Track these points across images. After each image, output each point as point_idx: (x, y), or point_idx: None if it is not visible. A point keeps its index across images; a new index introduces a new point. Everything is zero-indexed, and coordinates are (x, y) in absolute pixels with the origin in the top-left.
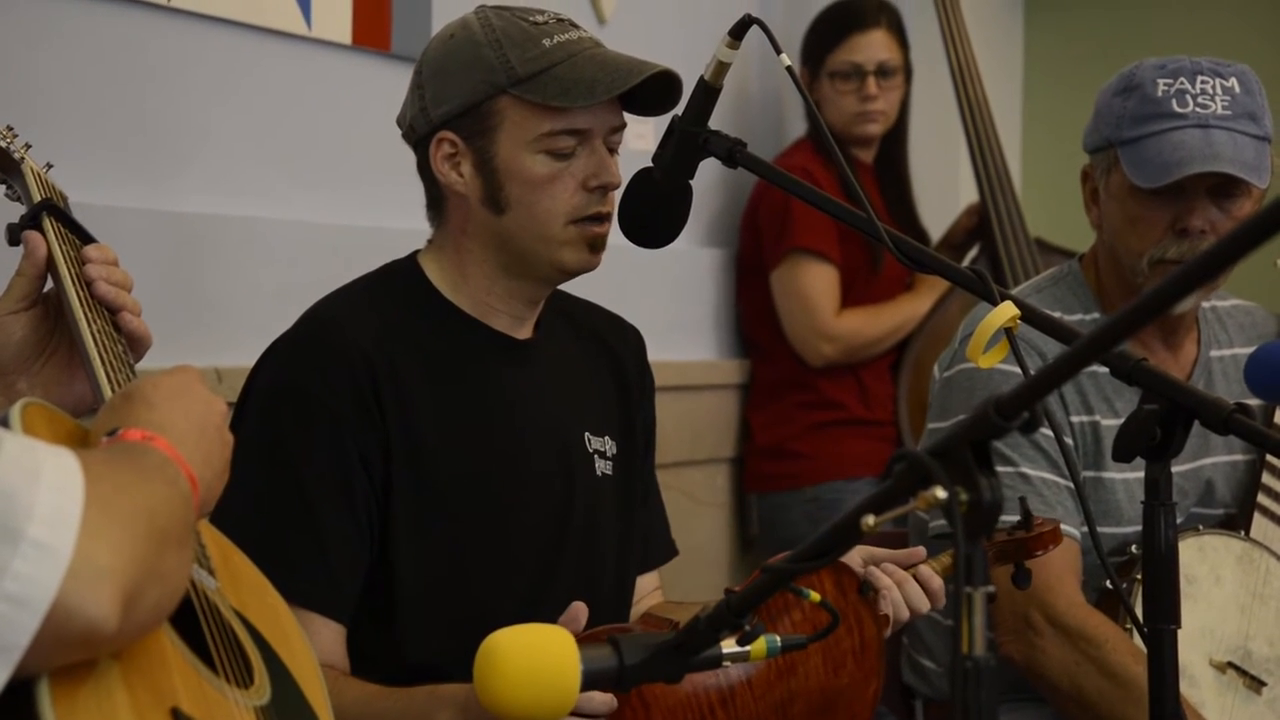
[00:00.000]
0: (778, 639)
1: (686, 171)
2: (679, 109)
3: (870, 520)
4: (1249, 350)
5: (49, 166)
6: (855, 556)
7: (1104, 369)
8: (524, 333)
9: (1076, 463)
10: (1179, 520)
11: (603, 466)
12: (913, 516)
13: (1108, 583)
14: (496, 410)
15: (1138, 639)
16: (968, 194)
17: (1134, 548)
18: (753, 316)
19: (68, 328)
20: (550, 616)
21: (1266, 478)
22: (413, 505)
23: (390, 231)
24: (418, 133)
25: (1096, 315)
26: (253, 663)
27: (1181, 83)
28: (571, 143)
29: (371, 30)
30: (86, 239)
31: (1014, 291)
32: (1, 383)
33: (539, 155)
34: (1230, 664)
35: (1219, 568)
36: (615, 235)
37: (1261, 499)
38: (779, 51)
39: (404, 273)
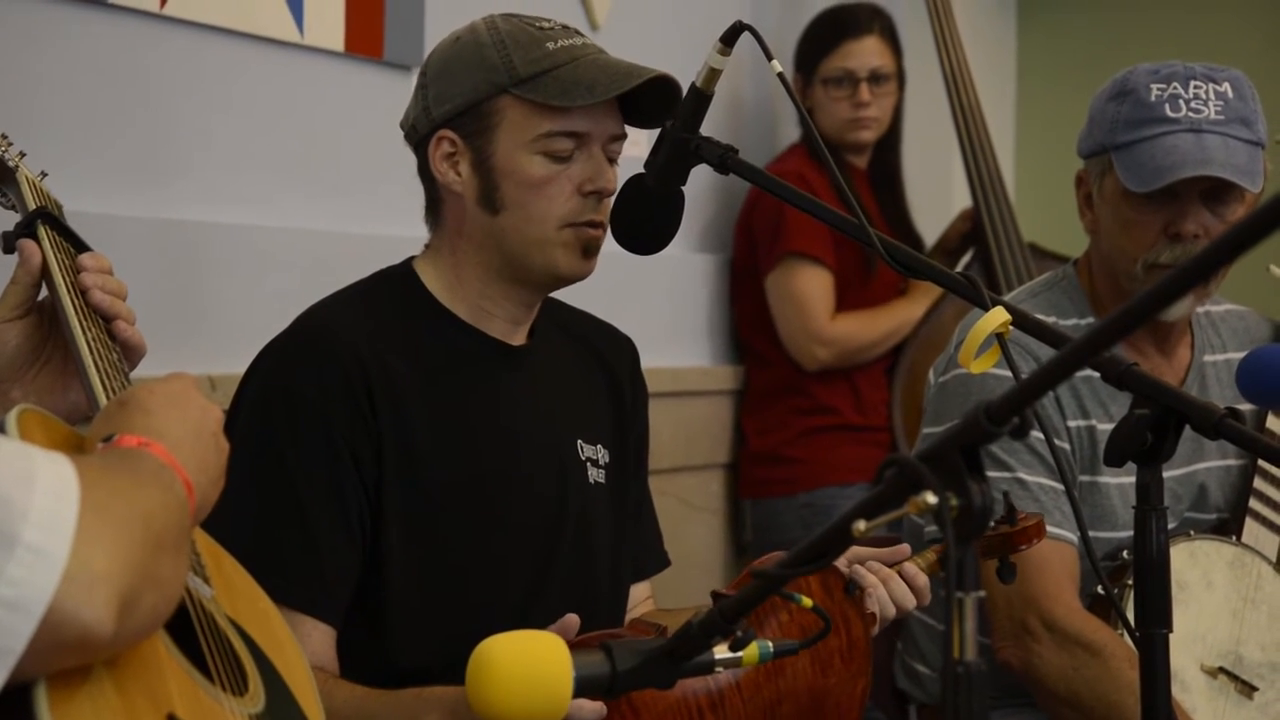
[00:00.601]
0: (770, 644)
1: (679, 177)
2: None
3: (861, 525)
4: (1242, 355)
5: (44, 175)
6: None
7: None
8: (518, 339)
9: (1070, 468)
10: (1173, 525)
11: (595, 474)
12: (907, 521)
13: (1099, 588)
14: (490, 416)
15: (1130, 643)
16: (961, 199)
17: (1126, 553)
18: (747, 322)
19: (63, 336)
20: (542, 623)
21: (1259, 483)
22: (405, 510)
23: (384, 238)
24: (419, 133)
25: (1091, 320)
26: (247, 670)
27: (1175, 88)
28: (569, 145)
29: (364, 38)
30: (81, 247)
31: (1009, 297)
32: None
33: (536, 156)
34: (1222, 669)
35: (1210, 573)
36: (608, 241)
37: (1254, 504)
38: (770, 58)
39: (398, 278)
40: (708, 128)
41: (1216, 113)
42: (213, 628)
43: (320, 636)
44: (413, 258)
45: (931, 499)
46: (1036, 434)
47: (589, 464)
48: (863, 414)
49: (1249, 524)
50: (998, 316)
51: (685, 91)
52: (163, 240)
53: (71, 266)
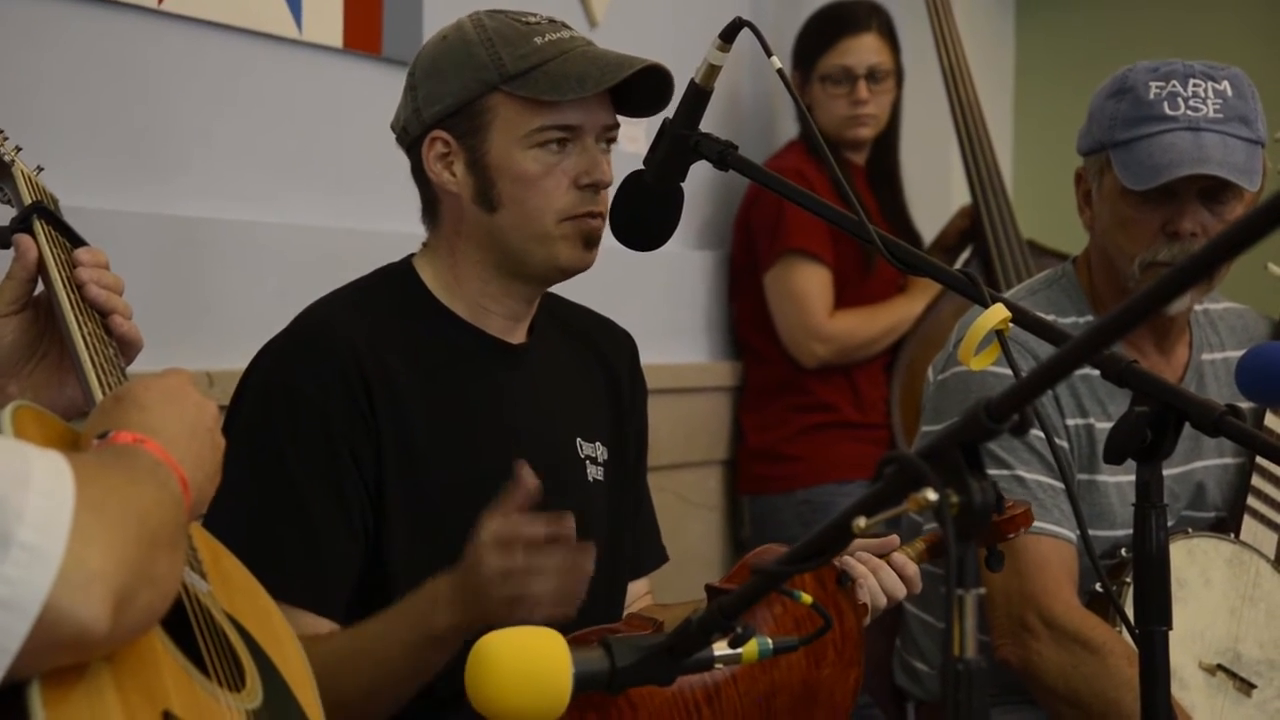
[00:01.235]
0: (770, 641)
1: (678, 174)
2: (669, 111)
3: (861, 522)
4: (1241, 353)
5: (39, 169)
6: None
7: (1097, 372)
8: (517, 337)
9: (1069, 465)
10: (1170, 523)
11: (594, 472)
12: (905, 518)
13: (1098, 585)
14: (489, 414)
15: (1131, 641)
16: (960, 196)
17: (1124, 550)
18: (745, 319)
19: (58, 331)
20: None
21: (1256, 480)
22: (405, 507)
23: (383, 234)
24: (411, 134)
25: (1090, 317)
26: (244, 666)
27: (1174, 85)
28: (562, 138)
29: (362, 34)
30: (77, 242)
31: (1008, 294)
32: None
33: (530, 151)
34: (1220, 666)
35: (1209, 570)
36: (607, 238)
37: (1252, 502)
38: (770, 54)
39: (398, 276)
40: (705, 124)
41: (1215, 111)
42: (209, 623)
43: (318, 629)
44: (412, 255)
45: (932, 496)
46: (1035, 432)
47: (588, 462)
48: (861, 411)
49: (1247, 521)
50: (998, 313)
51: (680, 85)
52: (159, 235)
53: (67, 261)
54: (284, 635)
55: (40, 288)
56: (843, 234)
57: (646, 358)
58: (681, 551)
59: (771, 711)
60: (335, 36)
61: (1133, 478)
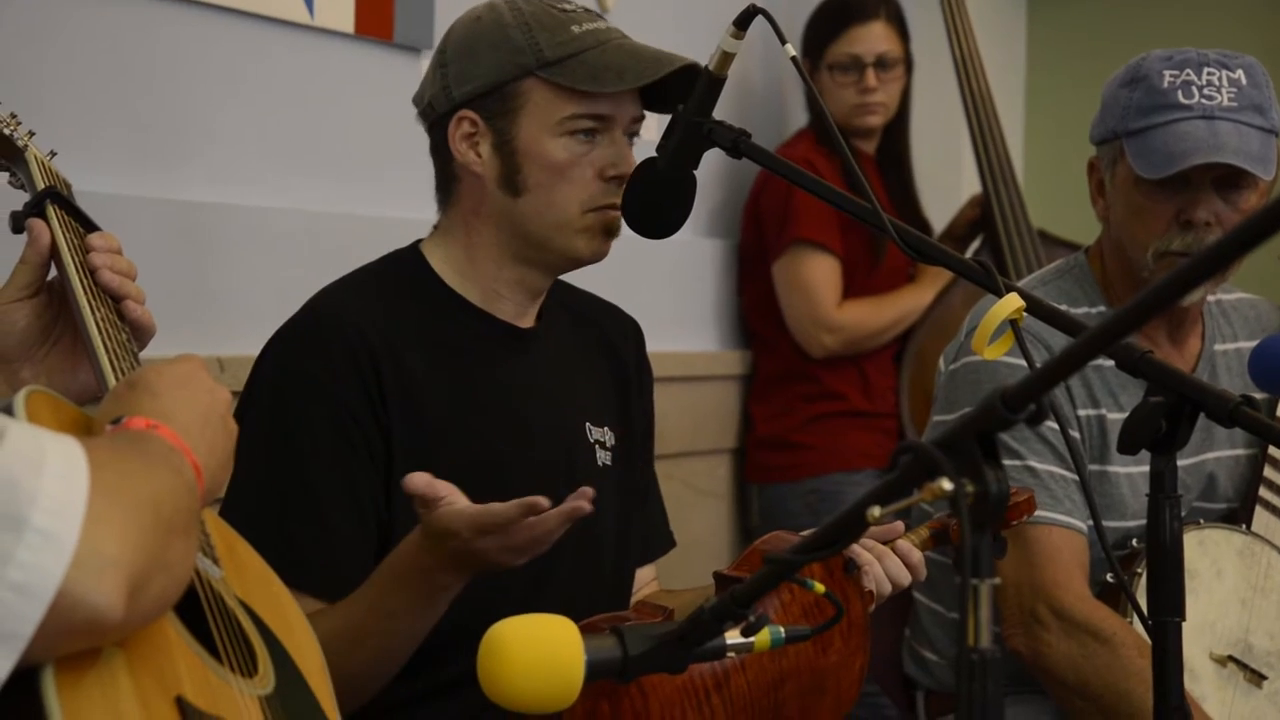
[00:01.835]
0: (782, 631)
1: (691, 161)
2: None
3: (876, 512)
4: (1253, 344)
5: (53, 154)
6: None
7: (1109, 363)
8: (527, 322)
9: (1082, 456)
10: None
11: (603, 457)
12: (917, 508)
13: (1109, 576)
14: (499, 399)
15: (1141, 632)
16: (970, 186)
17: (1135, 541)
18: (755, 307)
19: (72, 316)
20: (550, 606)
21: (1268, 471)
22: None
23: (393, 220)
24: (436, 111)
25: (1103, 308)
26: (257, 651)
27: (1188, 74)
28: (592, 128)
29: (374, 19)
30: (90, 227)
31: (1019, 284)
32: (5, 370)
33: (561, 139)
34: (1231, 658)
35: (1220, 561)
36: None
37: (1263, 493)
38: (784, 41)
39: (407, 261)
40: (716, 112)
41: (1230, 99)
42: (222, 609)
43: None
44: (420, 241)
45: (947, 486)
46: (1048, 423)
47: (597, 446)
48: (870, 400)
49: (1259, 513)
50: (1012, 303)
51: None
52: (171, 220)
53: (80, 246)
54: (296, 621)
55: (53, 273)
56: (852, 223)
57: (655, 346)
58: (690, 540)
59: (779, 699)
60: (347, 22)
61: (1144, 469)
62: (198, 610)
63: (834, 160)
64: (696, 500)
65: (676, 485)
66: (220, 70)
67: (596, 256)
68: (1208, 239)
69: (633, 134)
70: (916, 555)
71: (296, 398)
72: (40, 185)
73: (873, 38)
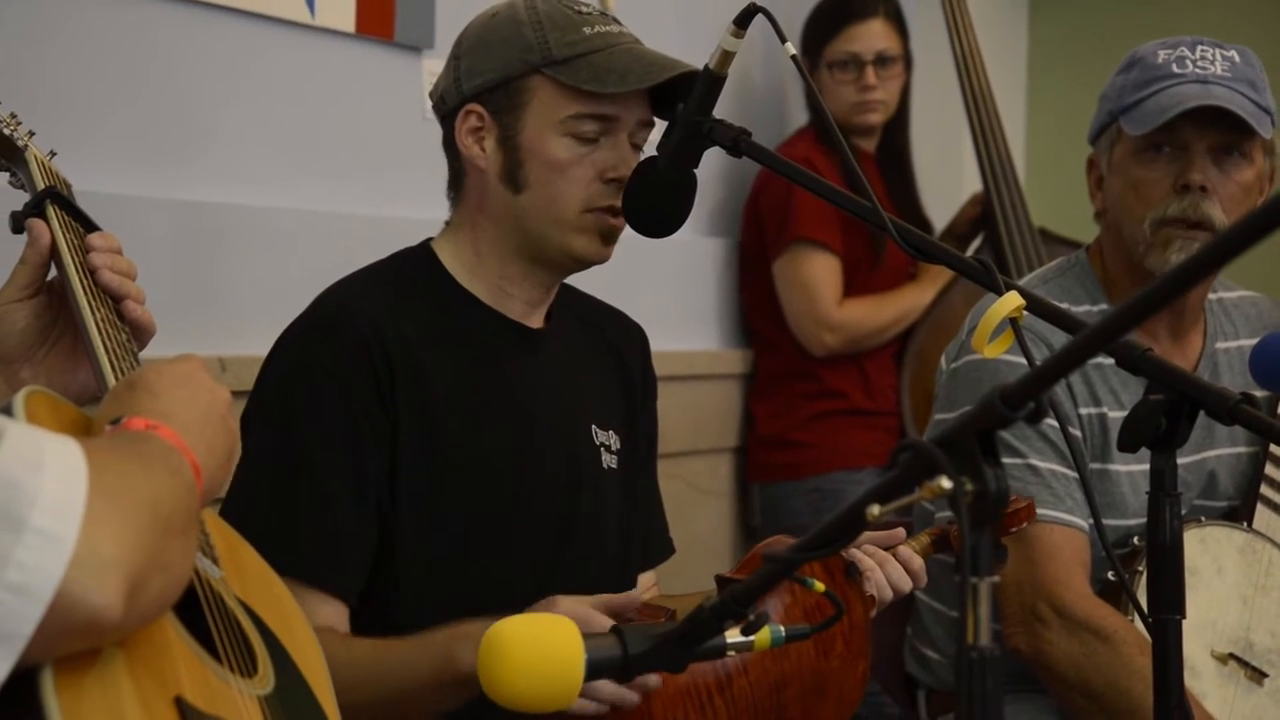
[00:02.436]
0: (782, 629)
1: (691, 160)
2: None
3: (875, 510)
4: (1255, 341)
5: (53, 154)
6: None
7: (1110, 361)
8: (535, 322)
9: (1083, 454)
10: (1183, 512)
11: (608, 460)
12: (918, 506)
13: (1110, 574)
14: (507, 398)
15: (1142, 630)
16: (971, 184)
17: (1136, 539)
18: (756, 306)
19: (71, 316)
20: None
21: (1269, 469)
22: (419, 489)
23: (396, 219)
24: (448, 104)
25: (1104, 306)
26: (256, 652)
27: (1182, 51)
28: (596, 129)
29: (375, 19)
30: (90, 227)
31: (1020, 282)
32: (5, 371)
33: (563, 138)
34: (1232, 655)
35: (1221, 559)
36: None
37: (1264, 490)
38: (784, 40)
39: (417, 258)
40: (716, 111)
41: (1224, 71)
42: (221, 609)
43: (332, 613)
44: (430, 239)
45: (947, 484)
46: (1049, 421)
47: (602, 449)
48: (871, 399)
49: (1260, 510)
50: (1012, 301)
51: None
52: (172, 220)
53: (80, 246)
54: (296, 622)
55: (53, 273)
56: (852, 222)
57: (657, 345)
58: (692, 539)
59: (782, 702)
60: (348, 21)
61: (1145, 467)
62: (197, 610)
63: (834, 159)
64: (698, 499)
65: (678, 484)
66: (221, 70)
67: (596, 258)
68: (1204, 205)
69: (639, 142)
70: (918, 562)
71: (306, 392)
72: (40, 185)
73: (872, 35)
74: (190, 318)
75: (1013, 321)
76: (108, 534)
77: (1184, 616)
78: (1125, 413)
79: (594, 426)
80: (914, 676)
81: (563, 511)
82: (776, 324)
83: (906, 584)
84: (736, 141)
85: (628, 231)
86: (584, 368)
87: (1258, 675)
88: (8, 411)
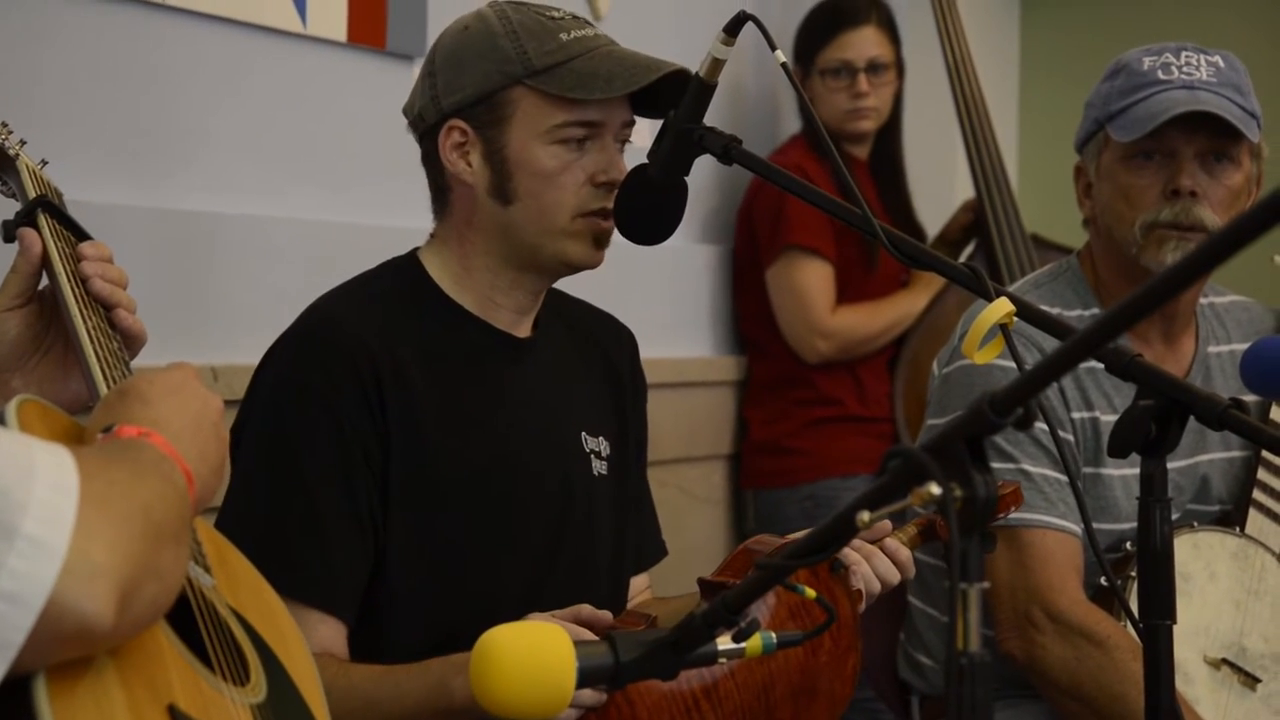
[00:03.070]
0: (773, 635)
1: (682, 168)
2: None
3: (865, 516)
4: (1246, 346)
5: (44, 163)
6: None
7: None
8: (523, 331)
9: (1074, 459)
10: (1175, 516)
11: (598, 467)
12: (909, 512)
13: (1102, 579)
14: (496, 408)
15: (1135, 635)
16: (963, 190)
17: (1129, 544)
18: (749, 313)
19: (63, 325)
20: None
21: (1262, 474)
22: (409, 500)
23: (386, 229)
24: (426, 121)
25: (1096, 310)
26: (249, 660)
27: (1166, 57)
28: (582, 135)
29: (367, 28)
30: (82, 236)
31: (1012, 288)
32: None
33: (550, 147)
34: (1225, 660)
35: (1214, 564)
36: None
37: (1257, 495)
38: (774, 48)
39: (405, 269)
40: (708, 118)
41: (1209, 76)
42: (214, 617)
43: (329, 631)
44: (417, 249)
45: (935, 490)
46: (1041, 425)
47: (592, 456)
48: (865, 405)
49: (1253, 515)
50: (1001, 307)
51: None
52: (163, 230)
53: (72, 255)
54: (289, 631)
55: (45, 282)
56: (845, 229)
57: (650, 352)
58: (685, 546)
59: (771, 702)
60: (340, 30)
61: (1138, 471)
62: (190, 618)
63: (827, 166)
64: (692, 506)
65: (672, 491)
66: (213, 79)
67: (588, 263)
68: (1195, 209)
69: (623, 140)
70: (905, 553)
71: (296, 407)
72: (32, 194)
73: (863, 42)
74: (182, 327)
75: (1003, 328)
76: (99, 541)
77: (1175, 622)
78: (1117, 416)
79: (584, 434)
80: (907, 682)
81: (554, 520)
82: (770, 331)
83: (895, 576)
84: (727, 149)
85: (621, 239)
86: (572, 375)
87: (1251, 680)
88: (0, 420)
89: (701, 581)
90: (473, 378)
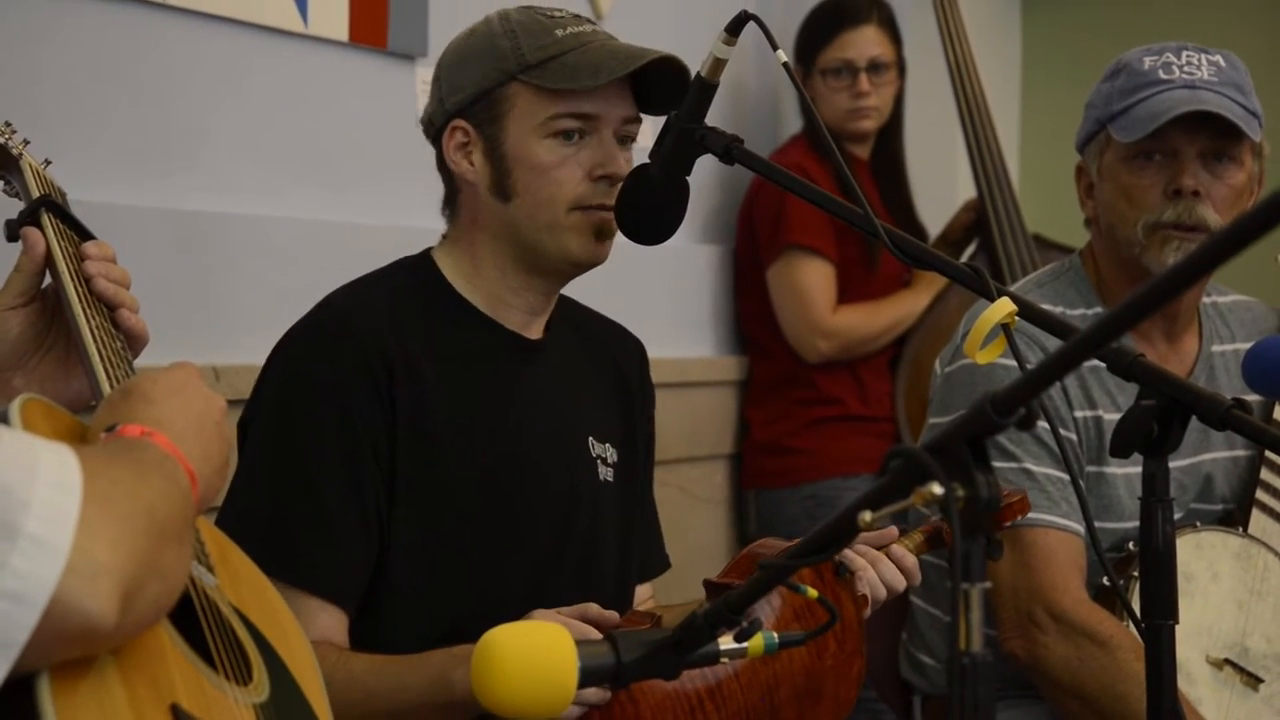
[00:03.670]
0: (775, 636)
1: (683, 168)
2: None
3: (867, 516)
4: (1250, 345)
5: (47, 163)
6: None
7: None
8: (535, 333)
9: (1077, 458)
10: (1178, 515)
11: (605, 473)
12: (912, 512)
13: (1105, 579)
14: (506, 409)
15: (1137, 635)
16: (965, 190)
17: (1132, 544)
18: (750, 313)
19: (66, 324)
20: None
21: (1265, 474)
22: (415, 498)
23: (388, 229)
24: (435, 125)
25: (1098, 309)
26: (251, 660)
27: (1167, 57)
28: (578, 128)
29: (368, 28)
30: (85, 235)
31: (1014, 287)
32: None
33: (546, 141)
34: (1227, 661)
35: (1216, 564)
36: None
37: (1260, 495)
38: (775, 47)
39: (417, 267)
40: (710, 118)
41: (1210, 75)
42: (216, 616)
43: (331, 620)
44: (430, 248)
45: (937, 490)
46: (1044, 425)
47: (599, 462)
48: (867, 405)
49: (1256, 515)
50: (1003, 307)
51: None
52: (166, 229)
53: (75, 254)
54: (291, 630)
55: (48, 281)
56: (846, 229)
57: (652, 352)
58: (687, 547)
59: (775, 704)
60: (341, 30)
61: (1141, 470)
62: (192, 618)
63: (828, 166)
64: (694, 507)
65: (674, 492)
66: (215, 79)
67: (592, 258)
68: (1198, 209)
69: (626, 137)
70: (910, 560)
71: (304, 401)
72: (35, 194)
73: (865, 42)
74: (185, 326)
75: (1005, 327)
76: (102, 540)
77: (1177, 621)
78: (1121, 415)
79: (591, 439)
80: (910, 682)
81: (560, 522)
82: (771, 331)
83: (900, 582)
84: (729, 149)
85: (622, 239)
86: (582, 380)
87: (1253, 681)
88: (3, 419)
89: (707, 583)
90: (483, 376)
